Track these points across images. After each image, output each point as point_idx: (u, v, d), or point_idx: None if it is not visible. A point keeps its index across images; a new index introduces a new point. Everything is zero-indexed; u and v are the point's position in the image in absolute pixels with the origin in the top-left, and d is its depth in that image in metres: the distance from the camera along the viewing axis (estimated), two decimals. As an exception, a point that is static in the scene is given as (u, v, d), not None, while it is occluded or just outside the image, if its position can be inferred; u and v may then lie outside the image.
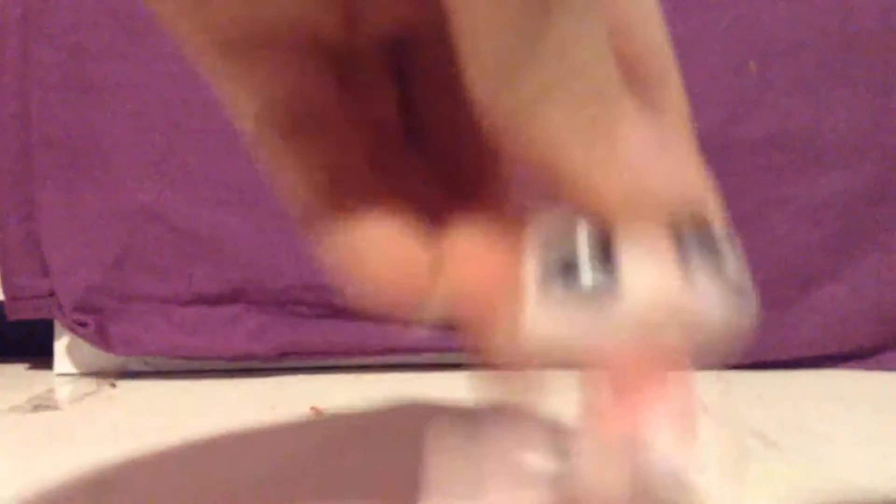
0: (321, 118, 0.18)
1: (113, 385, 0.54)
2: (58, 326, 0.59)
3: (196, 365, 0.57)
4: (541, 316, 0.17)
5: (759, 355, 0.54)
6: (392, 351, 0.58)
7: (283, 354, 0.57)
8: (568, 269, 0.16)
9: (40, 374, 0.59)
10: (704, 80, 0.54)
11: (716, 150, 0.54)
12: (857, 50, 0.53)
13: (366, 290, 0.19)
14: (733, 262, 0.18)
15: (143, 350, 0.56)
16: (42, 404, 0.49)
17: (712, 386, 0.50)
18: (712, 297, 0.17)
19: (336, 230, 0.18)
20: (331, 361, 0.58)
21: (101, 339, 0.56)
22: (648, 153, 0.16)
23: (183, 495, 0.31)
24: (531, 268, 0.17)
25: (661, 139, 0.17)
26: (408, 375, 0.56)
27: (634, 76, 0.18)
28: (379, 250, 0.18)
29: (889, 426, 0.41)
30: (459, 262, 0.18)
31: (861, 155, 0.54)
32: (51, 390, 0.53)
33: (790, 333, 0.54)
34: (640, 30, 0.18)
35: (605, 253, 0.16)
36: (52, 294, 0.57)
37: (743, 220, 0.54)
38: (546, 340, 0.17)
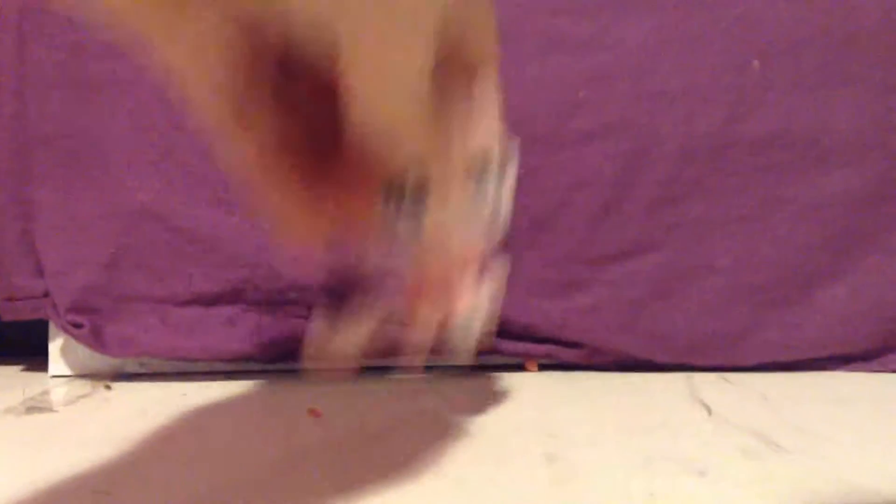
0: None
1: (108, 387, 0.54)
2: (53, 327, 0.58)
3: (192, 367, 0.57)
4: (382, 237, 0.29)
5: (761, 357, 0.54)
6: (390, 353, 0.57)
7: (281, 356, 0.56)
8: (399, 208, 0.28)
9: (35, 376, 0.58)
10: (706, 80, 0.54)
11: (717, 149, 0.54)
12: (859, 49, 0.53)
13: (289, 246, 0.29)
14: (500, 191, 0.31)
15: (138, 351, 0.56)
16: (36, 406, 0.48)
17: (715, 388, 0.50)
18: (482, 222, 0.31)
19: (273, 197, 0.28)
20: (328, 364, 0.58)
21: (96, 340, 0.55)
22: (462, 127, 0.27)
23: (179, 498, 0.30)
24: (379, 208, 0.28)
25: (472, 109, 0.27)
26: (405, 378, 0.55)
27: (466, 54, 0.28)
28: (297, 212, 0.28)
29: (892, 427, 0.40)
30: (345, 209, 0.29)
31: (863, 154, 0.53)
32: (45, 392, 0.53)
33: (792, 335, 0.54)
34: (475, 23, 0.28)
35: (420, 197, 0.28)
36: (47, 294, 0.56)
37: (744, 220, 0.54)
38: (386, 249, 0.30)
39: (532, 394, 0.50)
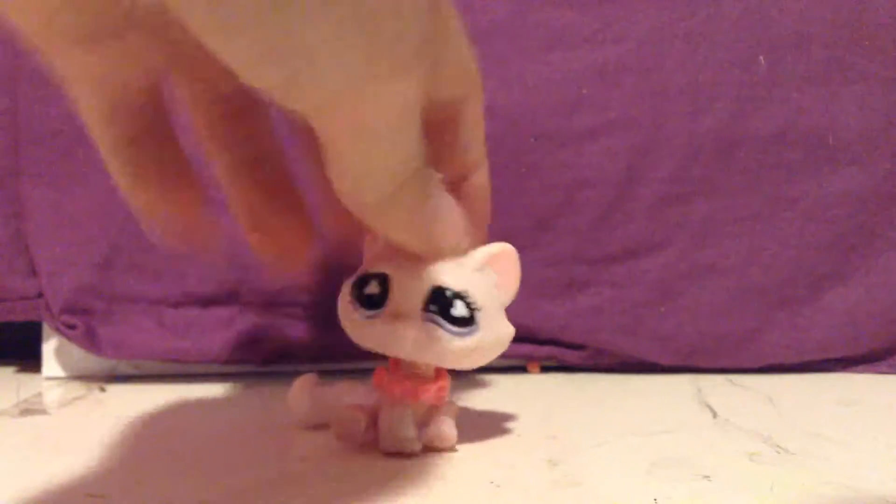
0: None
1: (102, 389, 0.53)
2: (46, 329, 0.58)
3: (187, 369, 0.56)
4: (347, 320, 0.33)
5: (769, 358, 0.54)
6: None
7: (278, 358, 0.56)
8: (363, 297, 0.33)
9: (28, 378, 0.58)
10: (712, 75, 0.53)
11: (724, 146, 0.53)
12: (869, 44, 0.53)
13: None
14: (466, 309, 0.32)
15: (132, 353, 0.55)
16: (30, 408, 0.48)
17: (721, 390, 0.50)
18: (447, 334, 0.31)
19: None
20: (326, 366, 0.57)
21: (90, 341, 0.54)
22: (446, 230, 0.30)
23: (174, 501, 0.30)
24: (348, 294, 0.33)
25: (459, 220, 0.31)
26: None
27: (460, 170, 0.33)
28: None
29: (902, 431, 0.40)
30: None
31: (874, 152, 0.53)
32: (39, 394, 0.52)
33: (801, 336, 0.53)
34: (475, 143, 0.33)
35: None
36: (40, 295, 0.56)
37: (752, 219, 0.54)
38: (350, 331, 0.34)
39: (534, 396, 0.50)
